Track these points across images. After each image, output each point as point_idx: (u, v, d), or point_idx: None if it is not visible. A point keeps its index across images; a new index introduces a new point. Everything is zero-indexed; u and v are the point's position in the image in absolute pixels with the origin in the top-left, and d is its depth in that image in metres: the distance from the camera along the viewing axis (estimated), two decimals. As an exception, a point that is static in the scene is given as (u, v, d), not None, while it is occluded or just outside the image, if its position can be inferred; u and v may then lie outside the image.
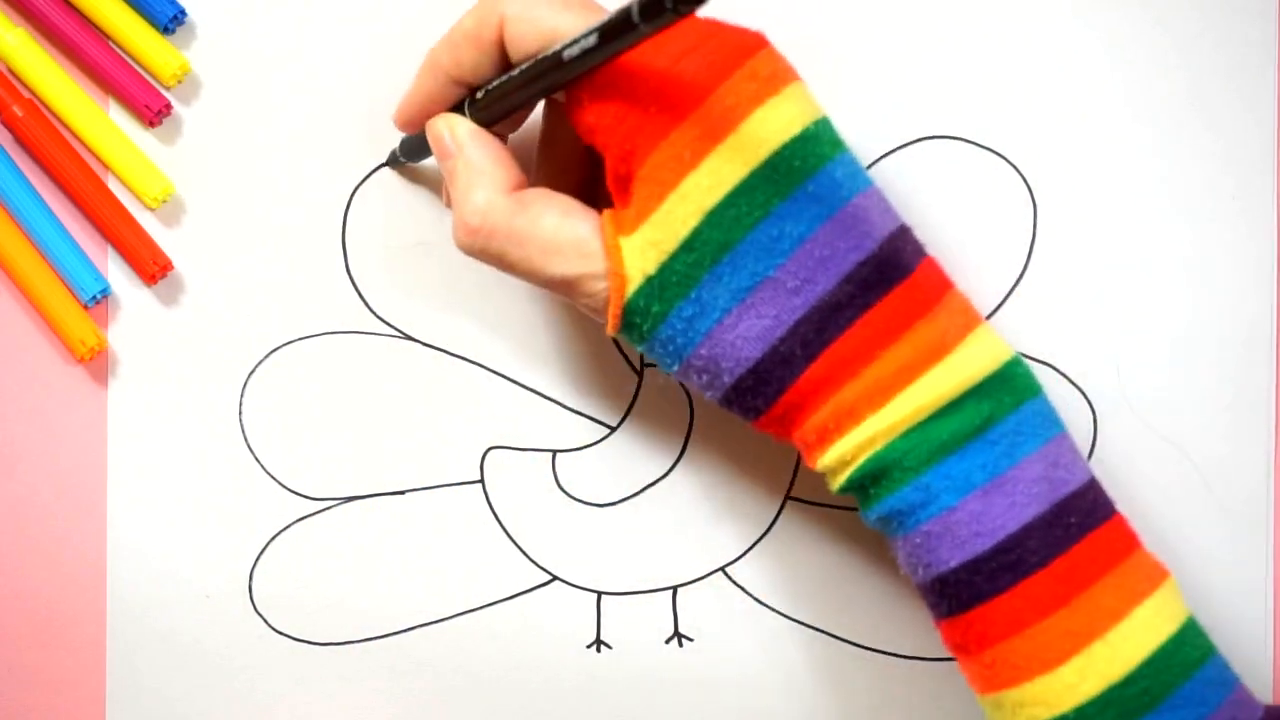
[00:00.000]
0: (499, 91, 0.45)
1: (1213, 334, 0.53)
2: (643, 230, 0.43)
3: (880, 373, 0.43)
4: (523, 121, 0.50)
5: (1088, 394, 0.53)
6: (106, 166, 0.54)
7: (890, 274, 0.44)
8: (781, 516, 0.54)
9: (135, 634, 0.54)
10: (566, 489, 0.54)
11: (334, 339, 0.54)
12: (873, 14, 0.53)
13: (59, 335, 0.53)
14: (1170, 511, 0.53)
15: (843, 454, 0.44)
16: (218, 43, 0.54)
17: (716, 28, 0.43)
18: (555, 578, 0.54)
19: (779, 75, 0.43)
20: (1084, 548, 0.44)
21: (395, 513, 0.54)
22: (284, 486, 0.54)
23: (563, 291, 0.45)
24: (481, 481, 0.54)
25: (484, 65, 0.46)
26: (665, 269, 0.43)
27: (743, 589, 0.54)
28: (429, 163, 0.53)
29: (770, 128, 0.43)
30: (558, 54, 0.42)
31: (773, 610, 0.54)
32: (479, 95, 0.46)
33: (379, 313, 0.54)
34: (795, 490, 0.54)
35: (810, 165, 0.43)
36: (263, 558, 0.54)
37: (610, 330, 0.45)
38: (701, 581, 0.54)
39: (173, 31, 0.53)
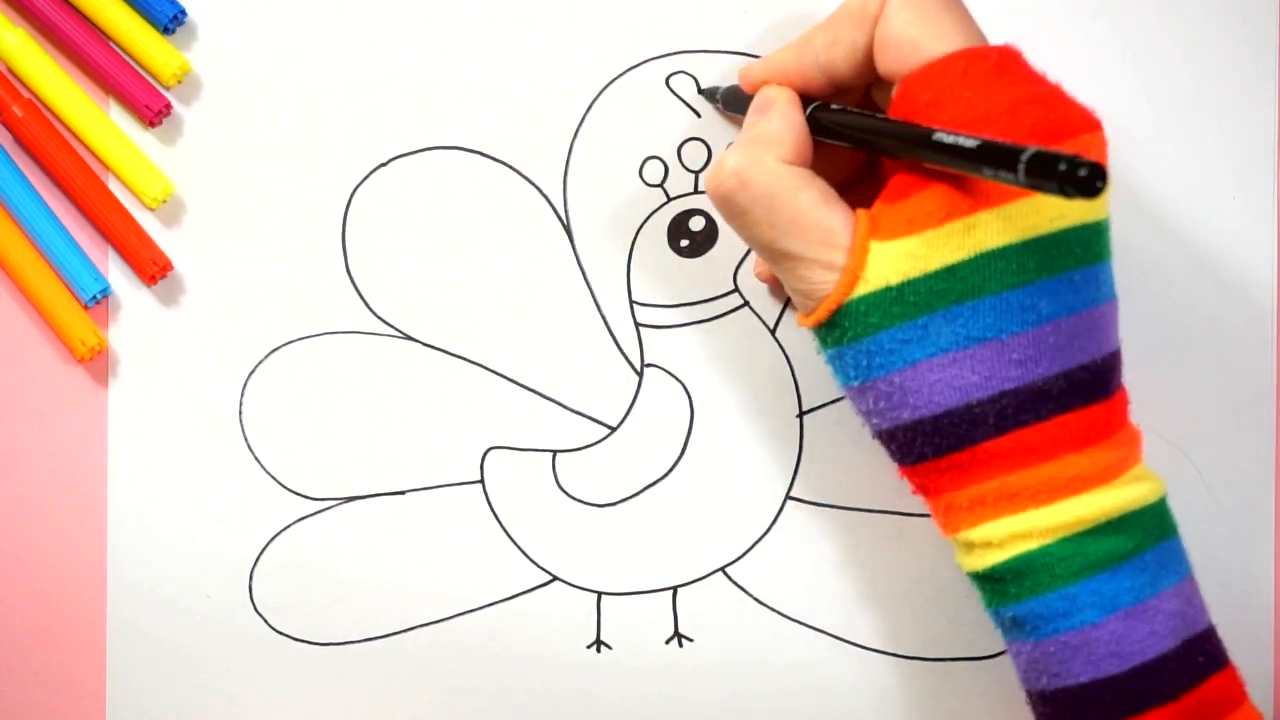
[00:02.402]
0: (851, 119, 0.45)
1: (1213, 334, 0.53)
2: (908, 241, 0.43)
3: (1056, 473, 0.43)
4: (850, 167, 0.49)
5: (1088, 394, 0.53)
6: (106, 166, 0.54)
7: (1099, 389, 0.44)
8: (781, 516, 0.54)
9: (135, 634, 0.54)
10: (566, 489, 0.54)
11: (334, 339, 0.54)
12: (873, 14, 0.53)
13: (59, 335, 0.53)
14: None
15: (991, 535, 0.43)
16: (218, 43, 0.54)
17: (1059, 93, 0.43)
18: (555, 578, 0.54)
19: (1103, 162, 0.43)
20: (1208, 689, 0.44)
21: (395, 513, 0.54)
22: (284, 486, 0.54)
23: (782, 266, 0.45)
24: (481, 481, 0.54)
25: (856, 53, 0.45)
26: (910, 286, 0.43)
27: (743, 589, 0.54)
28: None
29: (1072, 206, 0.42)
30: (927, 132, 0.41)
31: (773, 610, 0.54)
32: (833, 106, 0.46)
33: (379, 313, 0.54)
34: (795, 490, 0.54)
35: (1086, 258, 0.43)
36: (263, 558, 0.54)
37: (811, 321, 0.44)
38: (701, 581, 0.54)
39: (173, 31, 0.53)
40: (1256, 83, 0.53)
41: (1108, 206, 0.44)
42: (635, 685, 0.54)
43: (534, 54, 0.53)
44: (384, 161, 0.54)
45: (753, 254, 0.53)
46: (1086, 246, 0.43)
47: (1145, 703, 0.43)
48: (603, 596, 0.54)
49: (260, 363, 0.54)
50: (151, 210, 0.54)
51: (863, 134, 0.44)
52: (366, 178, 0.54)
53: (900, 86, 0.44)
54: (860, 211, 0.44)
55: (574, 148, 0.54)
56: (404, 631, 0.54)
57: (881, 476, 0.54)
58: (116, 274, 0.54)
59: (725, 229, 0.54)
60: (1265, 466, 0.53)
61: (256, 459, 0.54)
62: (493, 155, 0.54)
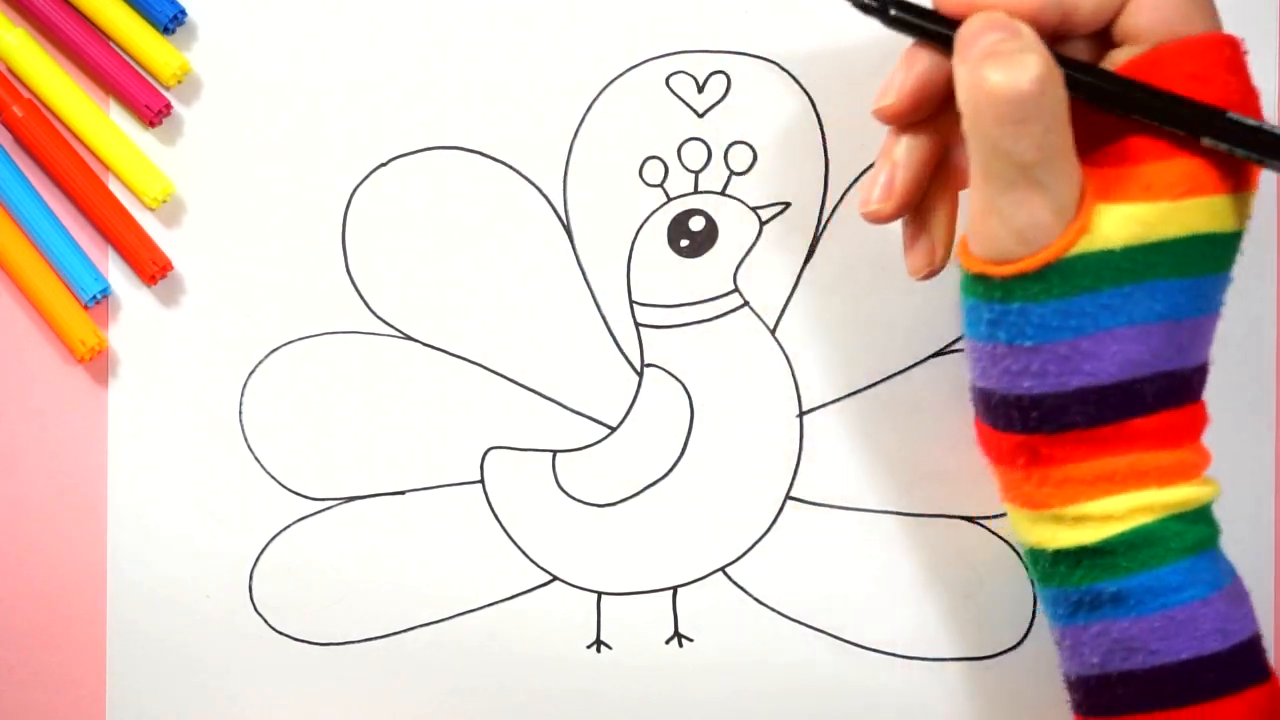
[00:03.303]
0: (1107, 81, 0.43)
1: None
2: (1141, 208, 0.42)
3: (1182, 459, 0.44)
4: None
5: (1088, 394, 0.53)
6: (106, 166, 0.54)
7: (1198, 391, 0.45)
8: (781, 516, 0.54)
9: (135, 634, 0.54)
10: (566, 489, 0.54)
11: (334, 339, 0.54)
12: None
13: (59, 335, 0.53)
14: (1170, 511, 0.53)
15: (1113, 509, 0.43)
16: (218, 43, 0.54)
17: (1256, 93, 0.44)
18: (555, 578, 0.54)
19: None
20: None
21: (395, 513, 0.54)
22: (284, 486, 0.54)
23: (1017, 194, 0.41)
24: (481, 481, 0.54)
25: (1087, 4, 0.43)
26: (1132, 252, 0.42)
27: (743, 589, 0.54)
28: None
29: (1247, 211, 0.44)
30: (1220, 112, 0.42)
31: (773, 610, 0.54)
32: (1077, 68, 0.43)
33: (379, 313, 0.54)
34: (795, 490, 0.54)
35: (1232, 262, 0.44)
36: (263, 558, 0.54)
37: (1012, 269, 0.42)
38: (701, 581, 0.54)
39: (173, 31, 0.53)
40: (1256, 82, 0.53)
41: None
42: (635, 685, 0.54)
43: (534, 54, 0.53)
44: (384, 161, 0.54)
45: (753, 254, 0.53)
46: (1237, 252, 0.44)
47: (1244, 681, 0.44)
48: (603, 596, 0.54)
49: (260, 363, 0.54)
50: (151, 210, 0.54)
51: (1133, 99, 0.42)
52: (366, 178, 0.54)
53: (1156, 51, 0.43)
54: (1086, 169, 0.42)
55: (574, 148, 0.54)
56: (404, 631, 0.54)
57: (881, 476, 0.54)
58: (116, 274, 0.54)
59: (725, 229, 0.54)
60: (1265, 466, 0.53)
61: (256, 459, 0.54)
62: (493, 155, 0.54)
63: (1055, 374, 0.42)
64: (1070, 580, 0.44)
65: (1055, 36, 0.43)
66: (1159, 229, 0.42)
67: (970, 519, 0.53)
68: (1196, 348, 0.44)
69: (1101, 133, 0.43)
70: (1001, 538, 0.53)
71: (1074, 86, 0.42)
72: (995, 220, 0.41)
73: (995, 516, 0.53)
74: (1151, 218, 0.42)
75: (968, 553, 0.53)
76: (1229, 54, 0.43)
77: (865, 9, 0.45)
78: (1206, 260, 0.43)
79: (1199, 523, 0.44)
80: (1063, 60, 0.42)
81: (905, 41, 0.54)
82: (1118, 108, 0.43)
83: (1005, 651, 0.53)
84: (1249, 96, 0.43)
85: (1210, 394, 0.53)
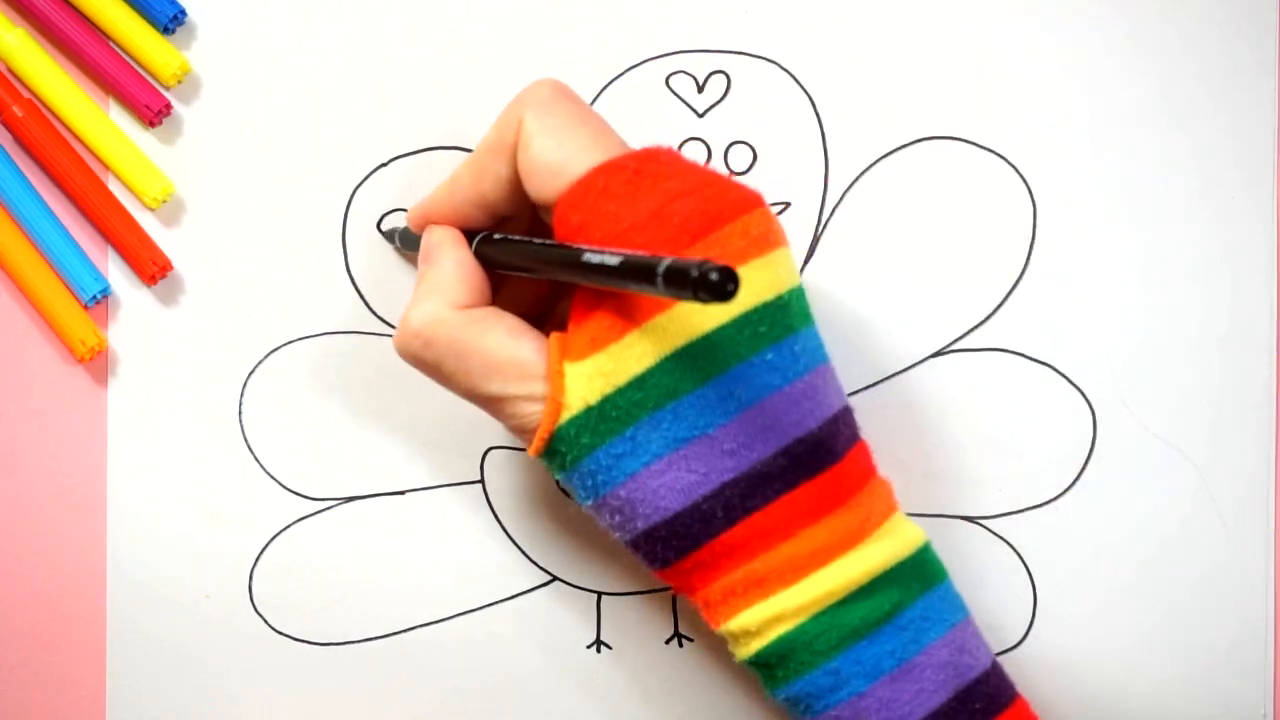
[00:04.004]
0: (510, 248, 0.45)
1: (1213, 334, 0.53)
2: (596, 359, 0.43)
3: (796, 550, 0.43)
4: (534, 295, 0.49)
5: (1087, 394, 0.53)
6: (106, 166, 0.54)
7: (824, 457, 0.44)
8: (781, 516, 0.54)
9: (135, 634, 0.54)
10: (567, 489, 0.54)
11: (334, 339, 0.54)
12: (873, 14, 0.53)
13: (59, 335, 0.53)
14: (1170, 513, 0.53)
15: (747, 624, 0.44)
16: (218, 43, 0.54)
17: (715, 178, 0.43)
18: (555, 578, 0.54)
19: (768, 237, 0.43)
20: None
21: (395, 513, 0.54)
22: (284, 486, 0.54)
23: (492, 409, 0.45)
24: (481, 481, 0.54)
25: (502, 185, 0.45)
26: (608, 402, 0.43)
27: (743, 589, 0.54)
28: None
29: (751, 287, 0.42)
30: (577, 254, 0.41)
31: (773, 610, 0.54)
32: (495, 236, 0.46)
33: (379, 313, 0.54)
34: (795, 490, 0.54)
35: (776, 333, 0.43)
36: (263, 558, 0.54)
37: (532, 453, 0.44)
38: (701, 581, 0.54)
39: (173, 31, 0.53)
40: (1257, 82, 0.53)
41: (797, 276, 0.44)
42: (635, 685, 0.54)
43: (534, 54, 0.53)
44: (384, 161, 0.54)
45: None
46: (774, 322, 0.43)
47: None
48: (603, 596, 0.54)
49: (260, 363, 0.54)
50: (151, 210, 0.54)
51: (524, 262, 0.45)
52: (366, 178, 0.54)
53: (555, 213, 0.44)
54: (553, 336, 0.44)
55: (574, 148, 0.54)
56: (404, 631, 0.54)
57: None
58: (116, 274, 0.54)
59: (725, 229, 0.54)
60: (1265, 466, 0.53)
61: (256, 459, 0.54)
62: (493, 155, 0.54)
63: (623, 522, 0.44)
64: (766, 687, 0.45)
65: (505, 220, 0.47)
66: (621, 371, 0.42)
67: (970, 519, 0.53)
68: (786, 425, 0.43)
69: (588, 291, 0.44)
70: (1001, 538, 0.53)
71: (501, 265, 0.46)
72: (502, 424, 0.45)
73: (995, 516, 0.53)
74: (608, 365, 0.42)
75: (968, 553, 0.53)
76: (605, 184, 0.43)
77: (387, 238, 0.53)
78: (714, 363, 0.42)
79: (860, 602, 0.43)
80: (484, 246, 0.46)
81: (906, 42, 0.54)
82: (532, 274, 0.45)
83: (1005, 651, 0.53)
84: (648, 210, 0.42)
85: (1210, 394, 0.53)
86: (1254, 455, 0.53)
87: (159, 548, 0.54)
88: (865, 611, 0.43)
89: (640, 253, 0.40)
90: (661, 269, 0.37)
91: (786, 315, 0.43)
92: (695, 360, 0.42)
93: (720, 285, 0.36)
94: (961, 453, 0.53)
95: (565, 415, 0.43)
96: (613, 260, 0.40)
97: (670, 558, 0.44)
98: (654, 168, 0.43)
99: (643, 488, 0.43)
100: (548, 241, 0.44)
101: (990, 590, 0.53)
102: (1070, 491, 0.53)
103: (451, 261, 0.46)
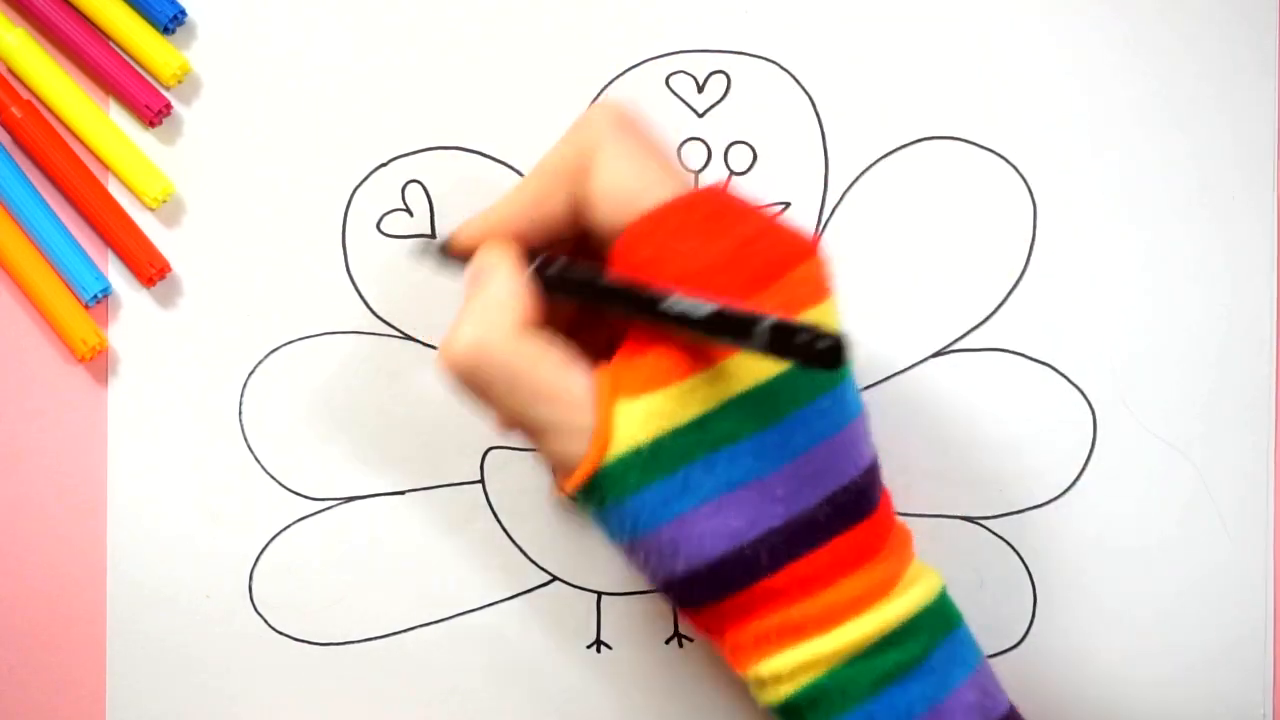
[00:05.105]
0: (577, 279, 0.44)
1: (1213, 334, 0.53)
2: (652, 399, 0.42)
3: (835, 599, 0.43)
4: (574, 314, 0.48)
5: (1087, 395, 0.53)
6: (106, 166, 0.54)
7: (864, 505, 0.44)
8: (781, 516, 0.54)
9: (135, 634, 0.54)
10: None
11: (334, 339, 0.54)
12: (873, 14, 0.53)
13: (59, 335, 0.53)
14: (1169, 513, 0.53)
15: (779, 669, 0.43)
16: (218, 43, 0.54)
17: (773, 225, 0.43)
18: (555, 578, 0.54)
19: (823, 285, 0.43)
20: None
21: (395, 513, 0.54)
22: (284, 486, 0.54)
23: (533, 436, 0.44)
24: (481, 481, 0.54)
25: (566, 208, 0.45)
26: (663, 443, 0.42)
27: (743, 589, 0.54)
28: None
29: None
30: (656, 299, 0.41)
31: (773, 610, 0.54)
32: (553, 266, 0.45)
33: (379, 313, 0.54)
34: (795, 490, 0.54)
35: (830, 382, 0.43)
36: (263, 558, 0.54)
37: (569, 489, 0.44)
38: (701, 581, 0.54)
39: (173, 31, 0.53)
40: (1257, 82, 0.53)
41: (841, 324, 0.44)
42: (635, 685, 0.54)
43: (534, 54, 0.53)
44: (384, 161, 0.54)
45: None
46: (829, 371, 0.43)
47: None
48: (603, 596, 0.54)
49: (260, 363, 0.54)
50: (151, 210, 0.54)
51: (592, 296, 0.43)
52: (366, 178, 0.54)
53: (620, 241, 0.43)
54: (601, 370, 0.43)
55: (574, 148, 0.54)
56: (404, 631, 0.54)
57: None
58: (117, 274, 0.54)
59: (725, 229, 0.54)
60: (1265, 466, 0.53)
61: (256, 459, 0.54)
62: (493, 155, 0.54)
63: (661, 564, 0.43)
64: None
65: (555, 242, 0.45)
66: (681, 413, 0.42)
67: (970, 519, 0.53)
68: (831, 473, 0.43)
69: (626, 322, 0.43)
70: (1001, 538, 0.53)
71: (558, 291, 0.44)
72: (539, 452, 0.44)
73: (995, 516, 0.53)
74: (667, 406, 0.42)
75: (968, 553, 0.53)
76: (680, 222, 0.42)
77: (420, 253, 0.50)
78: (775, 410, 0.42)
79: (892, 648, 0.43)
80: (547, 268, 0.44)
81: (906, 42, 0.54)
82: (596, 308, 0.44)
83: (1005, 651, 0.53)
84: (724, 254, 0.42)
85: (1210, 394, 0.53)
86: (1253, 455, 0.53)
87: (159, 548, 0.54)
88: (897, 657, 0.43)
89: (721, 301, 0.40)
90: (762, 328, 0.36)
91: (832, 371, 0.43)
92: (758, 406, 0.42)
93: (831, 354, 0.35)
94: (961, 453, 0.53)
95: (613, 452, 0.42)
96: (700, 312, 0.39)
97: (706, 600, 0.44)
98: (724, 208, 0.43)
99: (689, 530, 0.43)
100: (621, 279, 0.43)
101: (990, 590, 0.53)
102: (1070, 491, 0.53)
103: (508, 282, 0.44)
